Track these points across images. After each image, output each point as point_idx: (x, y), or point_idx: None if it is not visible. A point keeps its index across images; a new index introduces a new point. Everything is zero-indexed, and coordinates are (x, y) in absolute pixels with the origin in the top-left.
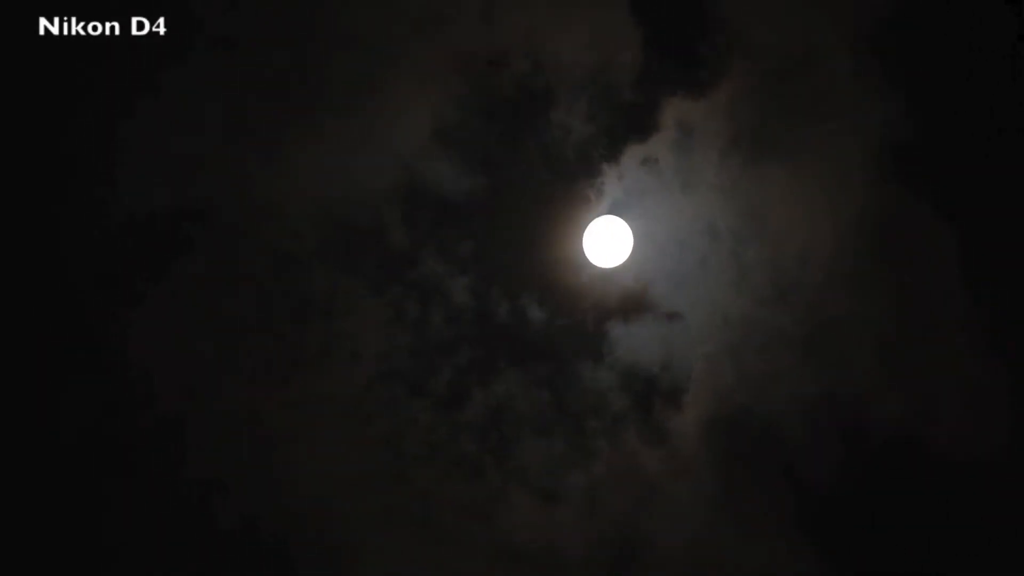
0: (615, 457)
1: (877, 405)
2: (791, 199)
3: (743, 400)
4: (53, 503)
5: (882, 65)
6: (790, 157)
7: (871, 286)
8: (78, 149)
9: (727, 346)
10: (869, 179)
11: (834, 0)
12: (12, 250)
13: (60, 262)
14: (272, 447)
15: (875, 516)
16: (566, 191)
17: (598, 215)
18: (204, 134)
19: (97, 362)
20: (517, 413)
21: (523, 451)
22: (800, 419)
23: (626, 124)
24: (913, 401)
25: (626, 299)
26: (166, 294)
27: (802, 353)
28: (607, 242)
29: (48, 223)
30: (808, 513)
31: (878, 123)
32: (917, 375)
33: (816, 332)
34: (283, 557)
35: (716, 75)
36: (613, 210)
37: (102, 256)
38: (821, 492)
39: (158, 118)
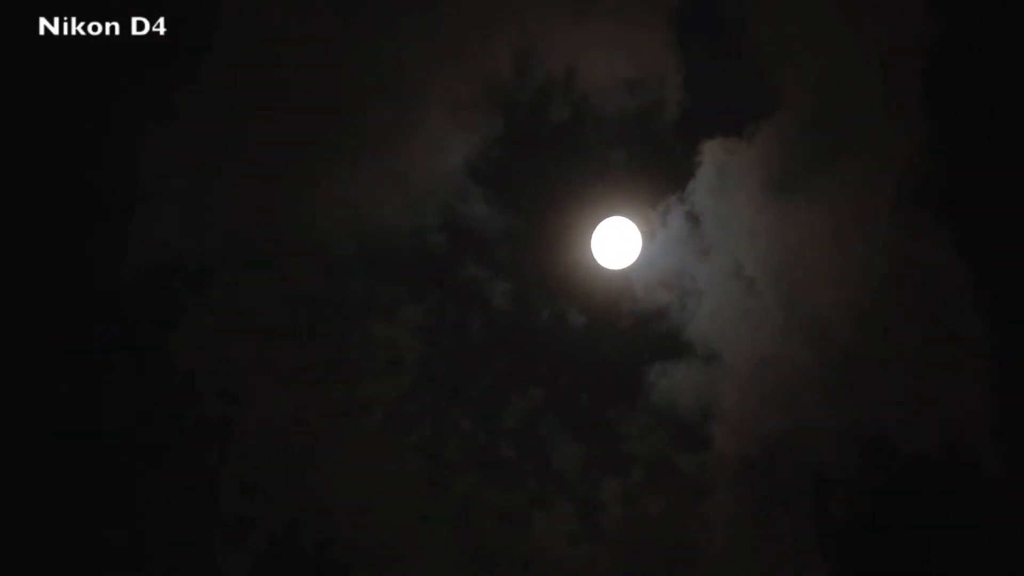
0: (648, 474)
1: (905, 438)
2: (824, 240)
3: (773, 434)
4: (94, 505)
5: (916, 107)
6: (824, 199)
7: (900, 323)
8: (101, 161)
9: (759, 383)
10: (898, 220)
11: (870, 42)
12: (38, 251)
13: (95, 268)
14: (312, 452)
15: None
16: (603, 229)
17: (635, 253)
18: (231, 158)
19: (140, 366)
20: (555, 422)
21: (561, 459)
22: (830, 454)
23: (664, 165)
24: (938, 433)
25: (663, 337)
26: (208, 299)
27: (832, 390)
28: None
29: (59, 226)
30: (837, 544)
31: (909, 165)
32: (944, 409)
33: (845, 369)
34: (321, 561)
35: (754, 118)
36: (651, 249)
37: (140, 264)
38: (850, 524)
39: (173, 132)
